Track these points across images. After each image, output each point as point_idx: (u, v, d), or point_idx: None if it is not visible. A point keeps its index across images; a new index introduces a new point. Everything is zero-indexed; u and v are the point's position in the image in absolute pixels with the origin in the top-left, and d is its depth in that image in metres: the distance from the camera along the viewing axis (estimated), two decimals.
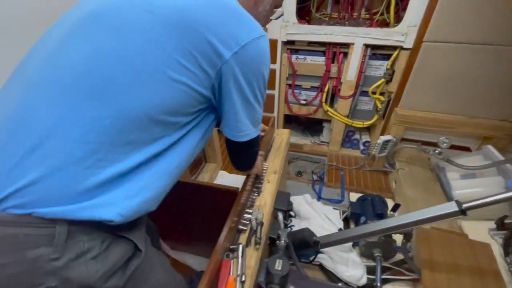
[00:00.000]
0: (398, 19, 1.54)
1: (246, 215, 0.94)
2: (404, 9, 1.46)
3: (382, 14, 1.78)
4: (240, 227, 0.90)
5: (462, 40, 1.36)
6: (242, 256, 0.80)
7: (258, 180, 1.08)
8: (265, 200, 1.02)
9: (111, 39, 0.49)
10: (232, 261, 0.79)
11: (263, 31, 0.60)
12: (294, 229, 1.53)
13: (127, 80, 0.49)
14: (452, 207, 0.83)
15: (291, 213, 1.63)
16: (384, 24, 1.72)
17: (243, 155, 0.81)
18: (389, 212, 1.25)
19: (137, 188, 0.55)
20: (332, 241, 1.13)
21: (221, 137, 2.32)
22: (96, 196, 0.50)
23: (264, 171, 1.15)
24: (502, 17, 1.25)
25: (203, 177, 1.77)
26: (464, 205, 0.81)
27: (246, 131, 0.67)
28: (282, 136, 1.42)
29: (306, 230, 1.14)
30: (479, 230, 1.31)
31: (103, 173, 0.50)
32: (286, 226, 1.55)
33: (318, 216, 1.52)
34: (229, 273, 0.75)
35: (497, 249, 1.20)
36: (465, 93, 1.52)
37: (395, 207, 1.19)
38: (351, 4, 1.88)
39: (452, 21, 1.33)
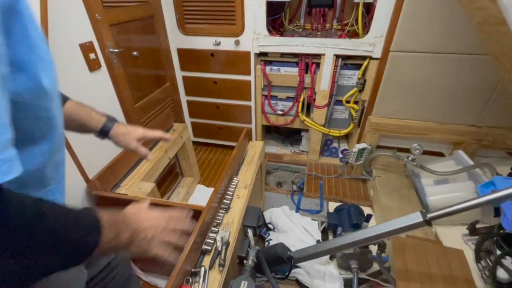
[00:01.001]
0: (367, 30, 1.57)
1: (212, 234, 0.90)
2: (371, 20, 1.50)
3: (352, 25, 1.82)
4: (205, 247, 0.86)
5: (425, 49, 1.40)
6: (204, 281, 0.76)
7: (226, 196, 1.05)
8: (233, 217, 0.98)
9: None
10: (192, 286, 0.74)
11: None
12: (272, 242, 1.50)
13: None
14: (417, 218, 0.82)
15: (269, 226, 1.59)
16: (355, 34, 1.75)
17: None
18: (363, 223, 1.24)
19: None
20: (306, 255, 1.10)
21: (197, 151, 2.29)
22: None
23: (234, 185, 1.12)
24: (461, 28, 1.30)
25: (179, 192, 1.72)
26: (429, 216, 0.81)
27: None
28: (256, 149, 1.40)
29: (280, 246, 1.11)
30: (453, 236, 1.31)
31: None
32: (264, 240, 1.52)
33: (296, 229, 1.49)
34: None
35: (470, 255, 1.20)
36: (433, 100, 1.56)
37: (368, 218, 1.18)
38: (322, 15, 1.92)
39: (415, 32, 1.37)
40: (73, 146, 0.99)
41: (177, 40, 1.80)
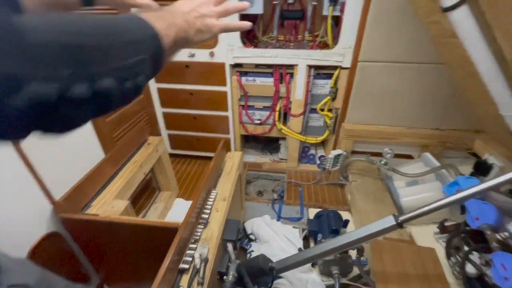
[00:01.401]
0: (336, 41, 1.65)
1: (190, 251, 0.87)
2: (339, 32, 1.58)
3: (322, 37, 1.90)
4: (182, 266, 0.83)
5: (390, 59, 1.49)
6: None
7: (204, 210, 1.03)
8: (212, 232, 0.96)
9: None
10: None
11: None
12: (254, 253, 1.48)
13: None
14: (390, 221, 0.85)
15: (251, 237, 1.58)
16: (326, 45, 1.83)
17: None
18: (341, 229, 1.26)
19: None
20: (288, 265, 1.10)
21: (175, 163, 2.23)
22: None
23: (212, 199, 1.10)
24: (420, 39, 1.40)
25: (156, 208, 1.65)
26: (400, 219, 0.84)
27: None
28: (234, 160, 1.39)
29: (261, 257, 1.09)
30: (426, 235, 1.37)
31: None
32: (246, 251, 1.50)
33: (277, 238, 1.49)
34: None
35: (442, 252, 1.26)
36: (401, 107, 1.65)
37: (345, 223, 1.21)
38: (294, 27, 1.99)
39: (380, 43, 1.46)
40: (34, 165, 0.93)
41: None
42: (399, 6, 1.33)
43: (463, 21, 0.86)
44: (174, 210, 1.77)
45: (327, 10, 1.65)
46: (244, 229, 1.62)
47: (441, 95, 1.58)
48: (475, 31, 0.85)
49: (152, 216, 1.60)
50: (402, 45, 1.44)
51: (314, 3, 1.84)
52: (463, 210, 1.32)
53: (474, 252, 1.07)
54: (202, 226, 0.97)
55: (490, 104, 1.34)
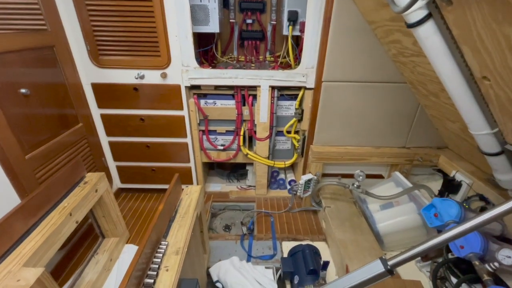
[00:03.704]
0: (298, 61, 1.59)
1: None
2: (301, 52, 1.51)
3: (284, 57, 1.84)
4: None
5: (354, 79, 1.46)
6: None
7: (148, 272, 0.79)
8: None
9: None
10: None
11: None
12: None
13: None
14: (378, 267, 0.71)
15: (218, 285, 1.33)
16: (288, 66, 1.77)
17: None
18: (320, 271, 1.10)
19: None
20: None
21: (127, 199, 1.92)
22: None
23: (161, 253, 0.86)
24: (381, 59, 1.39)
25: (98, 261, 1.33)
26: (390, 264, 0.70)
27: None
28: (191, 196, 1.18)
29: None
30: (408, 264, 1.26)
31: None
32: None
33: (249, 284, 1.27)
34: None
35: (427, 284, 1.16)
36: (367, 126, 1.61)
37: (325, 265, 1.05)
38: (255, 48, 1.91)
39: (343, 63, 1.42)
40: None
41: (90, 74, 1.52)
42: (359, 26, 1.31)
43: (429, 37, 0.81)
44: (123, 260, 1.46)
45: (287, 30, 1.59)
46: (209, 275, 1.37)
47: (405, 114, 1.57)
48: (442, 48, 0.80)
49: (92, 273, 1.28)
50: (366, 65, 1.42)
51: (273, 22, 1.78)
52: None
53: (463, 284, 0.98)
54: None
55: (453, 122, 1.33)
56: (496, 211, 0.60)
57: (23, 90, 1.13)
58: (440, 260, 1.14)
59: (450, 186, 1.44)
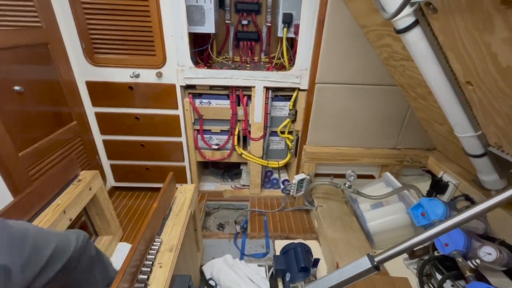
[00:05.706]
0: (292, 63, 1.61)
1: None
2: (295, 54, 1.54)
3: (279, 58, 1.87)
4: None
5: (346, 81, 1.49)
6: None
7: (142, 269, 0.80)
8: None
9: None
10: None
11: None
12: None
13: None
14: (365, 264, 0.74)
15: (211, 282, 1.35)
16: (282, 67, 1.79)
17: None
18: (311, 269, 1.13)
19: None
20: None
21: (121, 198, 1.92)
22: None
23: (154, 250, 0.87)
24: (373, 62, 1.43)
25: None
26: (376, 260, 0.73)
27: None
28: (185, 194, 1.19)
29: None
30: (395, 261, 1.30)
31: None
32: None
33: (241, 282, 1.29)
34: None
35: (414, 281, 1.20)
36: (359, 127, 1.65)
37: (315, 262, 1.07)
38: (250, 49, 1.93)
39: (336, 65, 1.45)
40: None
41: (85, 72, 1.52)
42: (352, 30, 1.34)
43: (416, 43, 0.84)
44: (116, 259, 1.46)
45: (282, 32, 1.62)
46: (203, 273, 1.39)
47: (395, 116, 1.61)
48: (429, 53, 0.84)
49: None
50: (358, 67, 1.45)
51: (268, 24, 1.81)
52: None
53: (448, 280, 1.02)
54: None
55: (440, 124, 1.38)
56: (476, 209, 0.64)
57: (16, 88, 1.13)
58: (426, 257, 1.18)
59: (437, 187, 1.49)
